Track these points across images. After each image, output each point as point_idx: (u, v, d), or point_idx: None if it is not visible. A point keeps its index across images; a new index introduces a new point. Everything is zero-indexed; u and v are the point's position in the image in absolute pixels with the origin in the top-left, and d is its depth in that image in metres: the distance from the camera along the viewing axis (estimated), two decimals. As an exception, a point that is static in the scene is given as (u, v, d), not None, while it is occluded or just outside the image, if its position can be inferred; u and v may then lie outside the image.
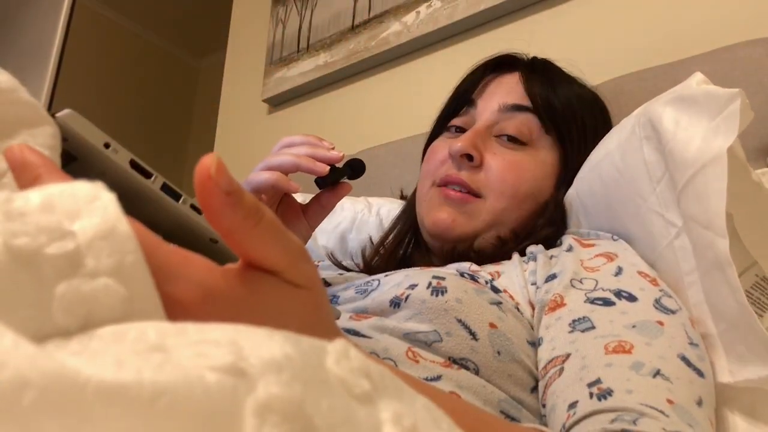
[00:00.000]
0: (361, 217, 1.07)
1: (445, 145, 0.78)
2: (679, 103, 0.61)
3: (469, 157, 0.74)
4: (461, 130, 0.80)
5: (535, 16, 1.24)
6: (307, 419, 0.16)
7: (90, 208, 0.22)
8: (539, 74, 0.80)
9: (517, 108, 0.76)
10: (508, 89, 0.79)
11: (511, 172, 0.74)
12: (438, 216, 0.73)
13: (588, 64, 1.03)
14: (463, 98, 0.82)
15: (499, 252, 0.72)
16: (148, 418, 0.15)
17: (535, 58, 0.84)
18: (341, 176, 0.66)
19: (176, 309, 0.24)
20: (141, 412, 0.15)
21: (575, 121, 0.78)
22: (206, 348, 0.17)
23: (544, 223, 0.74)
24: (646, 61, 0.95)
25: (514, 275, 0.64)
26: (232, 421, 0.16)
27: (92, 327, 0.20)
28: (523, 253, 0.69)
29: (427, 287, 0.56)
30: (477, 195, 0.74)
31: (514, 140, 0.76)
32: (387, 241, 0.86)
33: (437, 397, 0.34)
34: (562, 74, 0.83)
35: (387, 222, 0.98)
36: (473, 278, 0.62)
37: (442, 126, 0.84)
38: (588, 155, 0.77)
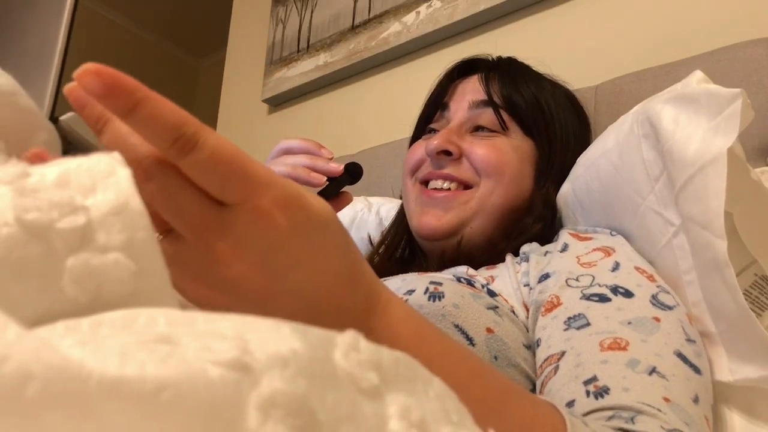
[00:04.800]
0: (360, 216, 1.07)
1: (422, 145, 0.80)
2: (679, 102, 0.61)
3: (448, 153, 0.75)
4: (437, 132, 0.82)
5: (535, 16, 1.24)
6: (311, 414, 0.16)
7: (105, 183, 0.23)
8: (501, 72, 0.81)
9: (487, 103, 0.78)
10: (475, 88, 0.81)
11: (494, 154, 0.75)
12: (424, 220, 0.75)
13: (588, 64, 1.03)
14: (435, 103, 0.84)
15: (490, 254, 0.72)
16: (150, 412, 0.15)
17: (499, 58, 0.86)
18: (341, 186, 0.64)
19: (260, 213, 0.28)
20: (143, 405, 0.15)
21: (543, 117, 0.79)
22: (212, 341, 0.17)
23: (533, 221, 0.75)
24: (646, 61, 0.95)
25: (507, 278, 0.65)
26: (235, 415, 0.16)
27: (103, 301, 0.21)
28: (516, 254, 0.69)
29: (425, 292, 0.56)
30: (468, 185, 0.75)
31: (489, 131, 0.78)
32: (381, 249, 0.87)
33: (467, 368, 0.36)
34: (528, 72, 0.84)
35: (387, 221, 0.98)
36: (470, 283, 0.62)
37: (420, 134, 0.86)
38: (563, 151, 0.78)
